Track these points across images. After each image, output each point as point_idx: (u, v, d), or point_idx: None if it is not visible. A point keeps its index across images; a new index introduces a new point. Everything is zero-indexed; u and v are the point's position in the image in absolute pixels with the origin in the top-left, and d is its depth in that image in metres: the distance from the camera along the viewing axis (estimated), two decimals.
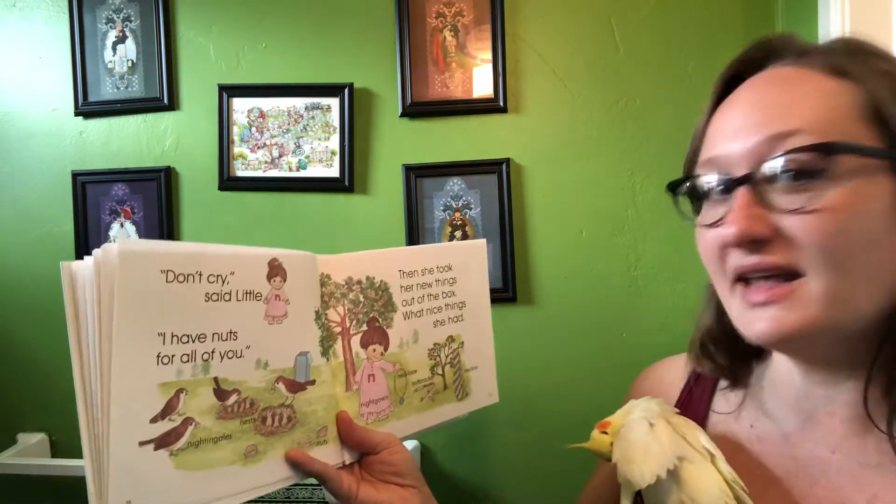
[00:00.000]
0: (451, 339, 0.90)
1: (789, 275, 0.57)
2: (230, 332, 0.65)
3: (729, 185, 0.60)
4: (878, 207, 0.56)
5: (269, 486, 0.68)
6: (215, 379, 0.63)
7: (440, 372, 0.89)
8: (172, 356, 0.60)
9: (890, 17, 1.31)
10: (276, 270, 0.69)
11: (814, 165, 0.55)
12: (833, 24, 1.36)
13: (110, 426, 0.55)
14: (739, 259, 0.59)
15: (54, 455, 1.88)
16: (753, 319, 0.60)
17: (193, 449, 0.61)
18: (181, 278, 0.60)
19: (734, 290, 0.62)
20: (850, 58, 0.60)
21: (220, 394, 0.64)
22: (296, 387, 0.71)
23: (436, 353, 0.88)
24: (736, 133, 0.60)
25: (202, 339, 0.62)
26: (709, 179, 0.63)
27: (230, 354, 0.65)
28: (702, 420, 0.75)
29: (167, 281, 0.59)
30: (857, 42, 0.63)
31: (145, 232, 1.85)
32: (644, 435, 0.67)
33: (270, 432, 0.68)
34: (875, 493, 0.59)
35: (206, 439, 0.62)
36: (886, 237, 0.56)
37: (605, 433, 0.72)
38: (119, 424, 0.55)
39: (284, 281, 0.70)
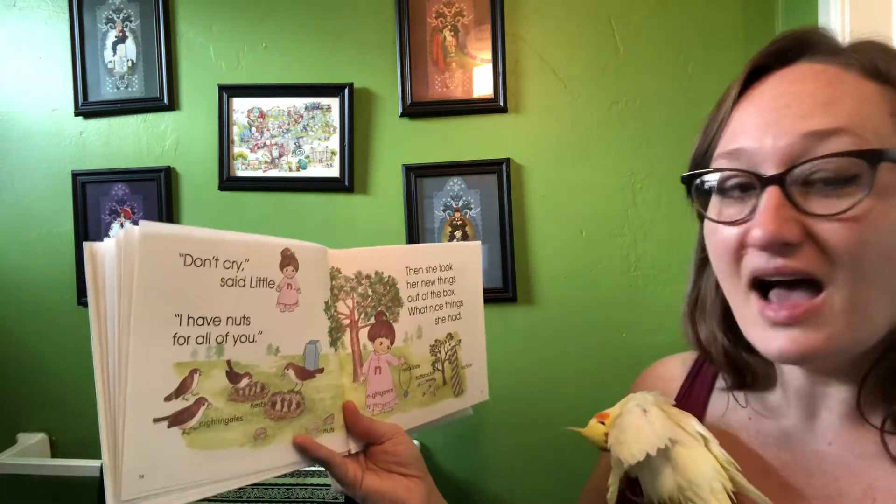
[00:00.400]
0: (449, 336, 0.91)
1: (810, 283, 0.55)
2: (244, 317, 0.65)
3: (757, 183, 0.57)
4: None
5: (277, 469, 0.69)
6: (228, 362, 0.64)
7: (440, 368, 0.90)
8: (188, 337, 0.60)
9: (890, 17, 1.32)
10: (288, 260, 0.70)
11: (853, 170, 0.53)
12: (833, 23, 1.36)
13: (126, 402, 0.55)
14: (761, 261, 0.57)
15: (54, 455, 1.88)
16: (772, 337, 0.57)
17: (205, 429, 0.62)
18: (198, 262, 0.61)
19: (748, 297, 0.60)
20: (888, 63, 0.57)
21: (233, 376, 0.64)
22: (305, 374, 0.72)
23: (437, 350, 0.90)
24: (766, 127, 0.57)
25: (217, 323, 0.63)
26: (733, 174, 0.59)
27: (243, 339, 0.65)
28: (700, 414, 0.75)
29: (185, 264, 0.60)
30: (889, 46, 0.60)
31: None
32: (637, 419, 0.68)
33: (279, 417, 0.69)
34: (870, 484, 0.60)
35: (217, 420, 0.63)
36: None
37: (603, 423, 0.73)
38: (135, 400, 0.56)
39: (296, 271, 0.71)
